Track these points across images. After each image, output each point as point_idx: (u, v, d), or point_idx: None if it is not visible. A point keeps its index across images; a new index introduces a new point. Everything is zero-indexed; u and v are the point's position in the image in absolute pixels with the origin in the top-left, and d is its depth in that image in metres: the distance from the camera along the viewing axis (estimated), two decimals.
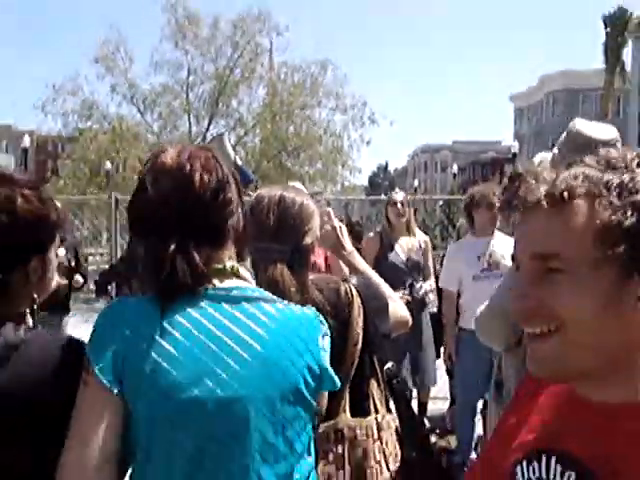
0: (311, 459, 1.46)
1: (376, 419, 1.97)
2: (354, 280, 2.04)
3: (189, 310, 1.37)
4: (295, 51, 41.87)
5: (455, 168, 51.68)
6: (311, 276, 1.98)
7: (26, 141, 25.31)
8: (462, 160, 65.02)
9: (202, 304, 1.38)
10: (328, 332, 1.47)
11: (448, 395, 6.14)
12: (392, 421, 2.02)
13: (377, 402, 2.01)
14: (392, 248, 5.47)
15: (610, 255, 0.92)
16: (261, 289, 1.48)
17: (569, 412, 1.05)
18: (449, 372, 5.66)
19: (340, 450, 1.90)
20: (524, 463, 1.06)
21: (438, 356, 5.79)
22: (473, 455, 5.12)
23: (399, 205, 5.51)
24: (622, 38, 27.95)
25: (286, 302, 1.47)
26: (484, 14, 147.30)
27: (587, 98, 44.01)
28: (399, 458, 1.99)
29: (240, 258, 1.52)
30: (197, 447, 1.31)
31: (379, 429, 1.96)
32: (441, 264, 5.85)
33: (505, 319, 1.98)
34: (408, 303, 4.87)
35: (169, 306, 1.36)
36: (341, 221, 6.08)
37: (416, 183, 25.72)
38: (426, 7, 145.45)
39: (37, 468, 1.29)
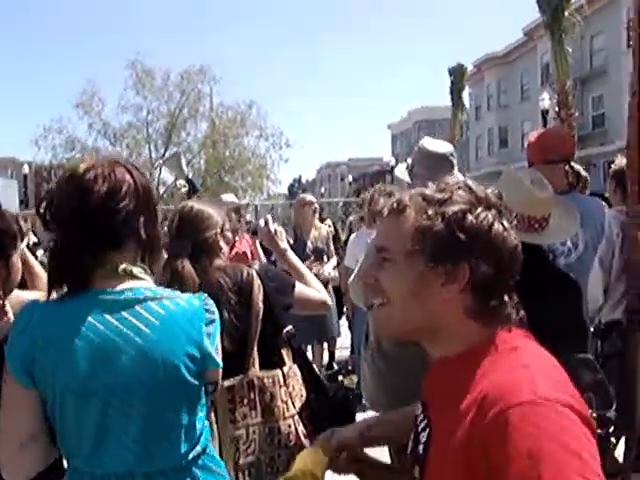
0: (203, 420, 1.35)
1: (282, 370, 1.95)
2: (256, 266, 2.01)
3: (86, 312, 1.22)
4: (229, 94, 41.64)
5: (350, 178, 52.08)
6: (223, 263, 1.96)
7: (25, 169, 25.91)
8: (355, 172, 65.60)
9: (97, 307, 1.23)
10: (215, 317, 1.33)
11: (350, 345, 6.16)
12: (298, 370, 2.01)
13: (285, 356, 1.99)
14: (303, 240, 5.39)
15: (420, 250, 0.96)
16: (153, 287, 1.30)
17: (430, 368, 1.08)
18: (350, 328, 5.70)
19: (252, 395, 1.88)
20: (420, 406, 1.09)
21: (341, 317, 5.83)
22: None
23: (306, 206, 5.43)
24: (461, 84, 29.14)
25: (177, 295, 1.31)
26: (367, 67, 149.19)
27: (441, 126, 45.00)
28: (304, 398, 1.98)
29: (151, 261, 1.35)
30: (98, 423, 1.22)
31: (285, 377, 1.95)
32: (343, 247, 5.91)
33: None
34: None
35: (68, 309, 1.24)
36: (284, 224, 6.02)
37: (323, 190, 26.17)
38: (326, 57, 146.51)
39: None
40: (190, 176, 6.10)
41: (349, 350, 6.16)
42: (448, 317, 0.97)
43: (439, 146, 2.29)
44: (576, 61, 23.63)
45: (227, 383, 1.81)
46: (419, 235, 0.96)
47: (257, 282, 1.91)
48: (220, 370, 1.34)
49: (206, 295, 1.36)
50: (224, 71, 45.76)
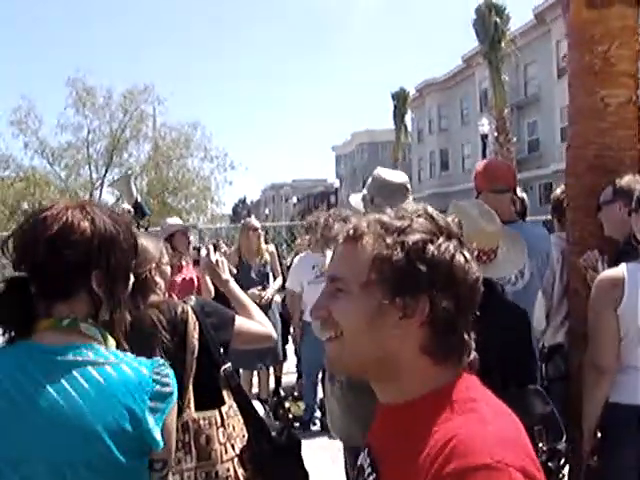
0: None
1: (220, 410, 1.86)
2: (192, 301, 1.91)
3: (13, 366, 1.11)
4: (173, 114, 41.00)
5: (295, 199, 52.34)
6: (157, 299, 1.87)
7: None
8: (299, 193, 66.01)
9: (28, 361, 1.11)
10: (169, 389, 1.17)
11: (297, 370, 6.07)
12: (238, 409, 1.92)
13: (225, 395, 1.90)
14: (248, 264, 5.30)
15: (378, 280, 0.90)
16: (102, 349, 1.15)
17: (377, 415, 1.02)
18: (296, 353, 5.64)
19: (187, 439, 1.79)
20: (365, 451, 1.02)
21: (287, 342, 5.76)
22: (318, 413, 5.15)
23: (252, 231, 5.34)
24: (404, 107, 30.03)
25: (125, 361, 1.15)
26: (307, 99, 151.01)
27: (384, 148, 46.01)
28: (246, 438, 1.88)
29: (110, 321, 1.20)
30: None
31: (223, 418, 1.86)
32: (287, 270, 5.89)
33: None
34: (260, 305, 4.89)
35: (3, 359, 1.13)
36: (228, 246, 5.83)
37: (267, 211, 26.04)
38: (274, 79, 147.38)
39: None
40: (139, 199, 5.76)
41: (296, 375, 6.08)
42: (403, 354, 0.91)
43: (396, 176, 2.32)
44: (512, 88, 24.77)
45: None
46: (377, 265, 0.89)
47: (192, 319, 1.83)
48: (171, 448, 1.19)
49: (162, 362, 1.21)
50: (169, 91, 45.16)
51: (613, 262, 2.32)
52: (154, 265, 1.87)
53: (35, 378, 1.10)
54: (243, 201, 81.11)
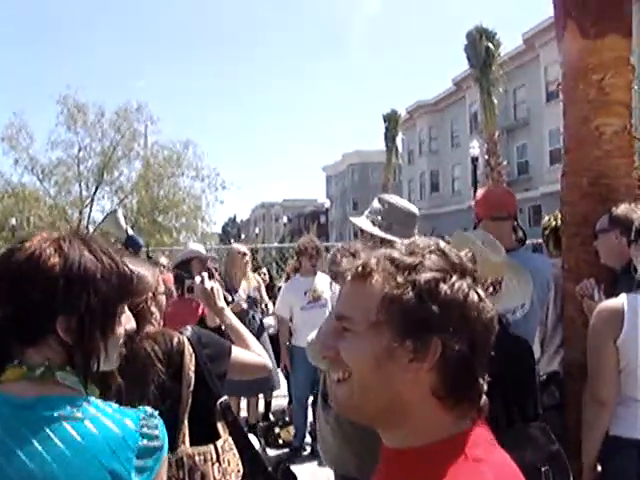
0: None
1: (215, 445, 1.81)
2: (188, 332, 1.85)
3: None
4: (165, 133, 40.89)
5: (285, 219, 52.40)
6: (153, 329, 1.81)
7: None
8: (290, 213, 66.12)
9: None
10: (158, 444, 1.04)
11: (287, 394, 6.00)
12: (233, 443, 1.86)
13: (220, 429, 1.84)
14: (235, 289, 5.14)
15: (387, 321, 0.85)
16: (79, 400, 1.02)
17: (381, 459, 0.96)
18: (286, 377, 5.57)
19: (181, 475, 1.72)
20: None
21: (278, 365, 5.69)
22: (308, 439, 5.08)
23: (239, 256, 5.19)
24: (395, 129, 30.29)
25: (107, 413, 1.02)
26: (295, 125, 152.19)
27: (375, 169, 46.31)
28: (241, 473, 1.83)
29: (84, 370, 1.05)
30: None
31: (218, 453, 1.80)
32: (277, 293, 5.85)
33: None
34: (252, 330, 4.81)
35: None
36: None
37: (257, 230, 26.02)
38: (263, 102, 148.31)
39: None
40: (130, 232, 5.53)
41: (286, 399, 6.00)
42: (413, 398, 0.87)
43: (411, 206, 2.34)
44: (502, 112, 25.06)
45: None
46: (386, 305, 0.85)
47: (189, 350, 1.78)
48: None
49: (150, 413, 1.07)
50: (162, 110, 45.21)
51: (610, 291, 2.31)
52: (150, 295, 1.83)
53: (1, 439, 0.96)
54: (233, 220, 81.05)
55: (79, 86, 34.34)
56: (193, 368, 1.76)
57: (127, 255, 1.56)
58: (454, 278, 0.87)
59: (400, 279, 0.86)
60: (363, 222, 2.28)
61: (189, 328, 1.87)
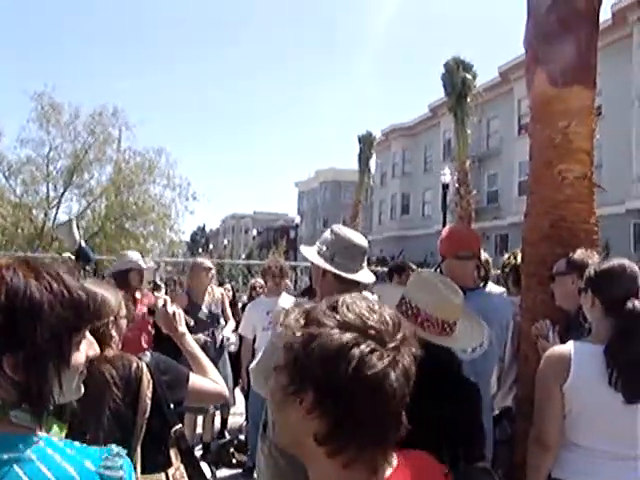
0: None
1: (166, 473, 1.80)
2: (147, 358, 1.83)
3: None
4: (139, 140, 40.33)
5: (255, 232, 52.18)
6: (111, 353, 1.79)
7: None
8: (260, 225, 65.92)
9: None
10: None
11: (244, 412, 5.95)
12: (184, 471, 1.86)
13: (172, 457, 1.84)
14: (198, 304, 5.11)
15: (286, 366, 0.96)
16: (35, 439, 0.96)
17: None
18: (246, 397, 5.53)
19: None
20: None
21: (237, 384, 5.64)
22: None
23: (203, 272, 5.15)
24: (369, 151, 30.49)
25: (66, 454, 0.96)
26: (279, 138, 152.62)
27: (347, 189, 46.57)
28: None
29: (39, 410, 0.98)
30: None
31: None
32: (242, 310, 5.81)
33: (266, 375, 1.94)
34: (210, 345, 4.81)
35: None
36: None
37: (225, 241, 25.80)
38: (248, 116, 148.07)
39: None
40: (83, 244, 5.36)
41: (243, 417, 5.94)
42: (307, 440, 0.94)
43: (358, 238, 2.29)
44: (474, 141, 25.58)
45: None
46: (284, 353, 0.96)
47: (147, 376, 1.76)
48: None
49: (115, 452, 1.01)
50: (138, 118, 44.66)
51: (562, 334, 2.38)
52: (112, 318, 1.81)
53: None
54: (202, 229, 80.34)
55: (57, 85, 33.47)
56: (150, 395, 1.75)
57: (90, 277, 1.54)
58: (336, 332, 0.91)
59: (299, 331, 0.94)
60: (309, 251, 2.29)
61: (148, 354, 1.86)
